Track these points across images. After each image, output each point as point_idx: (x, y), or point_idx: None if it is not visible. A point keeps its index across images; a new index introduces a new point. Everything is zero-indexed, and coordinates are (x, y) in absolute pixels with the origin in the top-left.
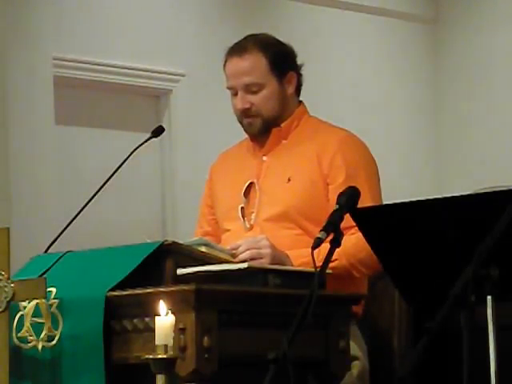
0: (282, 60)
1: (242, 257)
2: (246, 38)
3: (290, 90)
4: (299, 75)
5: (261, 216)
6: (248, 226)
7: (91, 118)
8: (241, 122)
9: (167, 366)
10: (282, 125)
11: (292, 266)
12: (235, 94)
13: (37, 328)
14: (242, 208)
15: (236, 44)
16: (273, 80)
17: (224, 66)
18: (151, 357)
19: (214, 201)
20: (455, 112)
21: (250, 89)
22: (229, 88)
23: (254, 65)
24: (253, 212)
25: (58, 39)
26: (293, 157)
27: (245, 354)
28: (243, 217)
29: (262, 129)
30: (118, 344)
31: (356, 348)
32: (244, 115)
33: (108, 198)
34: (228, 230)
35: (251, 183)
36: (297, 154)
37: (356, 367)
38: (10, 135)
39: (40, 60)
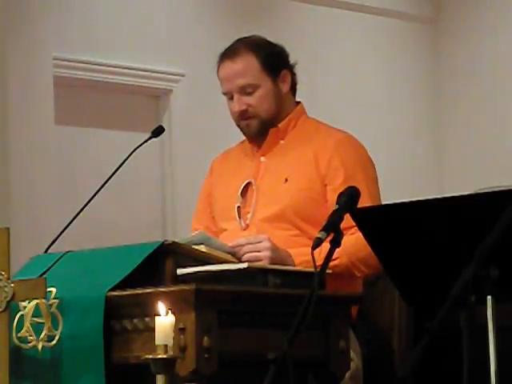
0: (274, 59)
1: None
2: (236, 42)
3: (285, 88)
4: (293, 74)
5: (257, 216)
6: (243, 225)
7: (91, 118)
8: (239, 126)
9: (167, 365)
10: (279, 125)
11: (294, 264)
12: (231, 99)
13: (37, 328)
14: (239, 207)
15: (227, 49)
16: (267, 80)
17: (217, 71)
18: (151, 357)
19: (212, 198)
20: (455, 112)
21: (245, 90)
22: (224, 93)
23: (246, 66)
24: (249, 212)
25: (58, 39)
26: (290, 157)
27: (245, 353)
28: (239, 216)
29: (260, 130)
30: (118, 344)
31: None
32: (241, 117)
33: (108, 198)
34: (225, 230)
35: (249, 183)
36: (294, 155)
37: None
38: (10, 135)
39: (40, 60)
